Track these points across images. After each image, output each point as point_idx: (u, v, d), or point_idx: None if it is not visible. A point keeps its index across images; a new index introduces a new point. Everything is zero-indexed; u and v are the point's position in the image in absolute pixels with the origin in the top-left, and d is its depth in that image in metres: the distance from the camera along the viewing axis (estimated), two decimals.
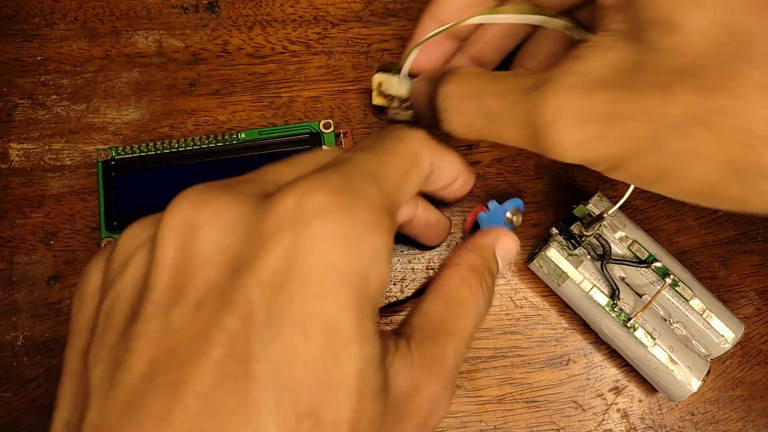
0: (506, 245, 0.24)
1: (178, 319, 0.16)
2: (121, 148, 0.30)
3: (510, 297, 0.30)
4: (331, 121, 0.31)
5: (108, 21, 0.33)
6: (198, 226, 0.17)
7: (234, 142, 0.30)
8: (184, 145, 0.30)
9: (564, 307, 0.30)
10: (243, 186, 0.18)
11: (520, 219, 0.27)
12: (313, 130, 0.31)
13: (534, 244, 0.31)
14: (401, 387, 0.18)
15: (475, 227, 0.27)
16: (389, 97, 0.29)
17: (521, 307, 0.30)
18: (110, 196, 0.30)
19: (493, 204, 0.27)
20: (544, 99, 0.19)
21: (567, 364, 0.29)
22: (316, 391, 0.15)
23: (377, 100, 0.30)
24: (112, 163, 0.30)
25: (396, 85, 0.29)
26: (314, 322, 0.15)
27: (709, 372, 0.27)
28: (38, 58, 0.33)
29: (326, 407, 0.15)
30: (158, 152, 0.30)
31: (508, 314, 0.30)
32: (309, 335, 0.15)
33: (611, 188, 0.31)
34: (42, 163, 0.31)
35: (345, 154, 0.20)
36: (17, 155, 0.31)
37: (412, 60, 0.28)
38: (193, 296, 0.16)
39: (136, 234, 0.19)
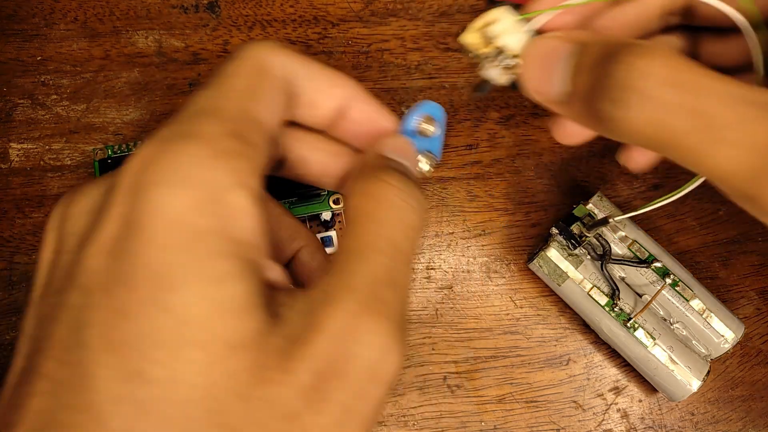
0: (392, 142, 0.20)
1: (45, 309, 0.16)
2: (117, 147, 0.30)
3: (510, 297, 0.30)
4: None
5: (108, 21, 0.33)
6: (65, 220, 0.17)
7: None
8: None
9: (564, 307, 0.30)
10: (110, 174, 0.18)
11: (437, 129, 0.22)
12: None
13: (534, 244, 0.31)
14: (294, 331, 0.15)
15: None
16: (491, 47, 0.21)
17: (521, 307, 0.30)
18: None
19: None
20: None
21: (567, 364, 0.29)
22: (144, 347, 0.14)
23: (471, 38, 0.22)
24: (109, 161, 0.30)
25: (514, 33, 0.21)
26: (138, 272, 0.14)
27: (709, 372, 0.26)
28: (38, 58, 0.33)
29: (156, 364, 0.14)
30: None
31: (508, 314, 0.30)
32: (132, 288, 0.14)
33: (611, 188, 0.31)
34: (42, 163, 0.31)
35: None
36: (17, 155, 0.31)
37: (550, 16, 0.20)
38: (56, 286, 0.16)
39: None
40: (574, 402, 0.29)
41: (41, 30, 0.33)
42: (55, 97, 0.32)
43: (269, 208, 0.19)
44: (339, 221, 0.30)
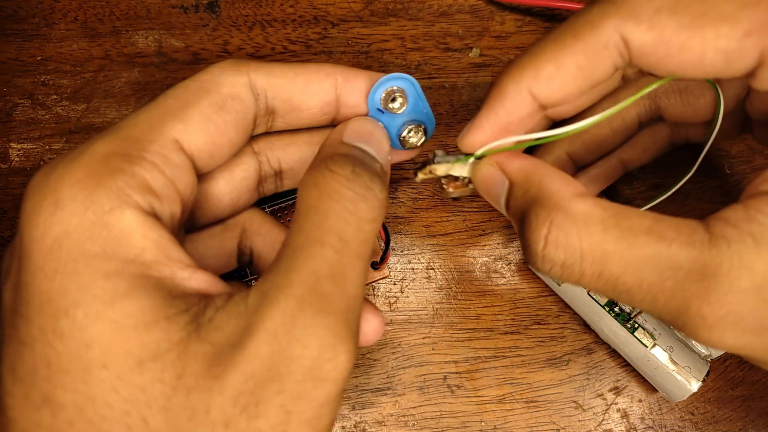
0: (350, 126, 0.20)
1: None
2: None
3: (510, 297, 0.30)
4: None
5: (108, 21, 0.33)
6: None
7: None
8: None
9: (564, 307, 0.30)
10: None
11: (405, 103, 0.21)
12: None
13: None
14: (226, 336, 0.15)
15: None
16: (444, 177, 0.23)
17: (521, 307, 0.30)
18: None
19: None
20: (709, 303, 0.15)
21: (567, 364, 0.29)
22: (46, 374, 0.14)
23: (423, 178, 0.23)
24: None
25: (457, 167, 0.22)
26: (32, 302, 0.15)
27: (709, 372, 0.26)
28: (38, 58, 0.33)
29: (61, 388, 0.14)
30: None
31: (508, 314, 0.30)
32: (27, 318, 0.15)
33: (611, 188, 0.31)
34: (42, 163, 0.31)
35: None
36: (17, 155, 0.31)
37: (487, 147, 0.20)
38: None
39: None
40: (574, 402, 0.29)
41: (41, 30, 0.33)
42: (55, 97, 0.32)
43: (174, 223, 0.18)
44: None
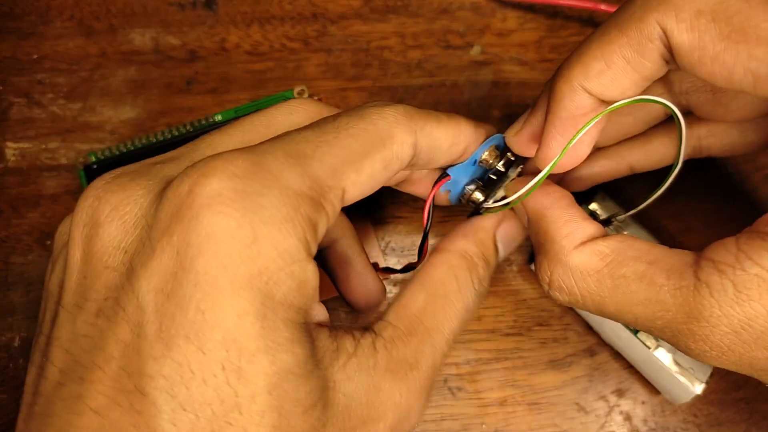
0: (509, 228, 0.21)
1: (82, 327, 0.15)
2: (100, 152, 0.30)
3: (511, 298, 0.30)
4: (305, 87, 0.31)
5: (104, 18, 0.33)
6: (99, 222, 0.16)
7: (211, 124, 0.30)
8: (161, 135, 0.30)
9: (566, 309, 0.29)
10: (159, 168, 0.17)
11: (500, 161, 0.21)
12: (289, 97, 0.30)
13: None
14: (355, 393, 0.16)
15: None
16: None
17: (523, 309, 0.30)
18: None
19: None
20: (694, 340, 0.17)
21: (569, 366, 0.29)
22: (220, 411, 0.14)
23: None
24: (94, 166, 0.30)
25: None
26: (209, 333, 0.14)
27: (712, 374, 0.26)
28: (34, 56, 0.32)
29: (235, 427, 0.14)
30: (137, 148, 0.30)
31: (509, 315, 0.29)
32: (205, 349, 0.14)
33: (614, 187, 0.31)
34: (38, 162, 0.31)
35: (298, 129, 0.17)
36: (13, 154, 0.31)
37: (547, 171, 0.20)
38: (94, 301, 0.15)
39: (62, 232, 0.18)
40: (577, 404, 0.29)
41: (37, 28, 0.33)
42: (51, 95, 0.32)
43: None
44: None
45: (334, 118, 0.17)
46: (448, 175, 0.21)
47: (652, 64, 0.18)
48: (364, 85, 0.32)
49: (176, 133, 0.30)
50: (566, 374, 0.29)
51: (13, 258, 0.30)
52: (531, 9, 0.33)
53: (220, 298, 0.14)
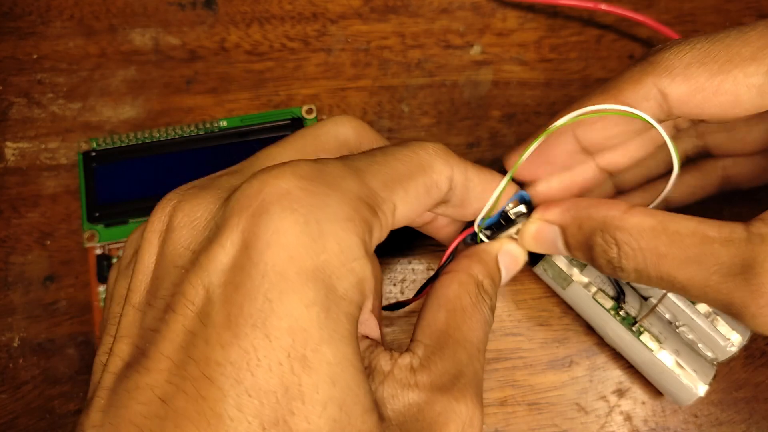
0: (510, 252, 0.23)
1: (150, 322, 0.16)
2: (101, 140, 0.30)
3: (512, 298, 0.30)
4: (313, 107, 0.31)
5: (104, 18, 0.33)
6: (172, 228, 0.17)
7: (216, 129, 0.30)
8: (164, 134, 0.30)
9: (566, 309, 0.29)
10: (226, 179, 0.18)
11: (524, 211, 0.23)
12: (295, 116, 0.30)
13: None
14: (407, 411, 0.17)
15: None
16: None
17: (523, 309, 0.30)
18: (91, 187, 0.29)
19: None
20: (750, 292, 0.17)
21: (569, 366, 0.29)
22: (283, 398, 0.14)
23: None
24: (93, 154, 0.30)
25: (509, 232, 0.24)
26: (276, 321, 0.14)
27: (715, 376, 0.26)
28: (34, 56, 0.32)
29: (297, 416, 0.14)
30: (139, 142, 0.30)
31: (509, 316, 0.29)
32: (272, 337, 0.14)
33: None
34: (38, 162, 0.31)
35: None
36: (13, 154, 0.31)
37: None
38: (163, 298, 0.16)
39: (133, 239, 0.20)
40: (577, 404, 0.29)
41: (37, 28, 0.33)
42: (51, 95, 0.32)
43: None
44: None
45: (381, 147, 0.19)
46: (472, 226, 0.23)
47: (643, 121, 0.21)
48: (363, 85, 0.32)
49: (179, 133, 0.30)
50: (566, 374, 0.29)
51: (12, 258, 0.30)
52: (531, 9, 0.33)
53: (288, 289, 0.14)
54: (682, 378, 0.26)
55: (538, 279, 0.30)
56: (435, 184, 0.19)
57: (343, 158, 0.18)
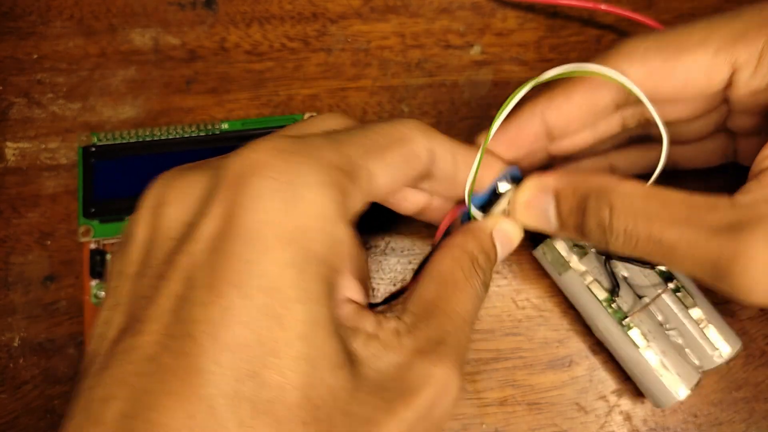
0: (506, 230, 0.23)
1: (143, 290, 0.17)
2: (103, 135, 0.30)
3: (512, 298, 0.30)
4: (315, 114, 0.31)
5: (104, 18, 0.33)
6: (164, 203, 0.18)
7: (216, 131, 0.30)
8: (166, 133, 0.30)
9: (566, 309, 0.29)
10: (216, 161, 0.19)
11: (512, 187, 0.23)
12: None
13: (535, 245, 0.30)
14: (386, 370, 0.17)
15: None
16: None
17: (523, 309, 0.30)
18: (89, 182, 0.29)
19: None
20: (744, 246, 0.18)
21: (569, 366, 0.29)
22: (258, 353, 0.15)
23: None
24: (93, 149, 0.30)
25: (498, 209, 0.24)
26: (253, 281, 0.15)
27: (698, 383, 0.26)
28: (34, 56, 0.32)
29: (270, 369, 0.15)
30: (140, 140, 0.30)
31: (509, 315, 0.29)
32: (248, 295, 0.15)
33: None
34: (38, 162, 0.31)
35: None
36: (13, 154, 0.31)
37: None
38: (156, 267, 0.17)
39: (130, 221, 0.20)
40: (577, 404, 0.29)
41: (37, 28, 0.33)
42: (51, 95, 0.32)
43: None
44: None
45: (362, 125, 0.20)
46: (464, 204, 0.23)
47: (603, 104, 0.23)
48: (363, 85, 0.32)
49: (181, 133, 0.30)
50: (566, 374, 0.29)
51: (12, 258, 0.30)
52: (531, 9, 0.33)
53: (264, 250, 0.15)
54: (665, 379, 0.26)
55: (537, 279, 0.30)
56: (414, 154, 0.20)
57: (323, 133, 0.19)
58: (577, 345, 0.29)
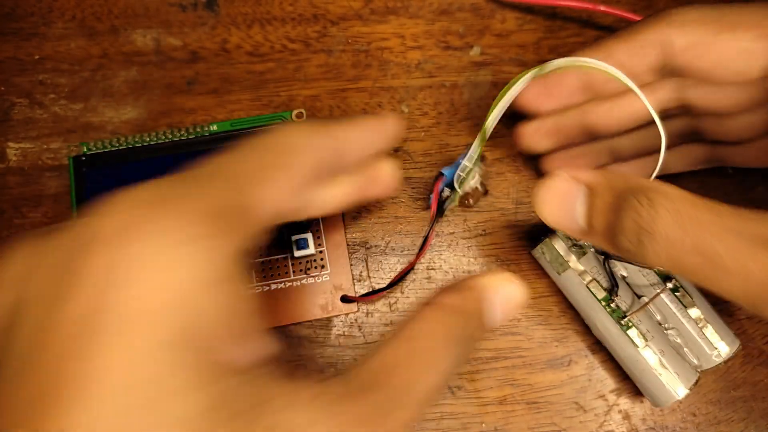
0: (508, 294, 0.20)
1: (3, 386, 0.14)
2: (92, 144, 0.30)
3: None
4: (303, 111, 0.31)
5: (106, 19, 0.33)
6: (19, 277, 0.15)
7: (206, 133, 0.30)
8: (155, 138, 0.30)
9: (565, 308, 0.30)
10: (74, 225, 0.16)
11: (480, 164, 0.27)
12: (285, 120, 0.30)
13: (539, 230, 0.30)
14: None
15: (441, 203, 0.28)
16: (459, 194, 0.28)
17: (522, 308, 0.30)
18: (82, 191, 0.29)
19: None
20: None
21: (568, 365, 0.29)
22: None
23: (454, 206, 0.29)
24: (83, 158, 0.30)
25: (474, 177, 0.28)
26: (124, 371, 0.13)
27: (697, 381, 0.26)
28: (36, 57, 0.32)
29: None
30: (129, 146, 0.30)
31: None
32: (116, 387, 0.13)
33: None
34: (40, 162, 0.31)
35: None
36: (15, 155, 0.31)
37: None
38: (17, 353, 0.14)
39: None
40: (576, 403, 0.29)
41: (39, 28, 0.33)
42: (53, 96, 0.32)
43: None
44: (315, 224, 0.30)
45: (241, 145, 0.18)
46: (442, 174, 0.27)
47: (640, 67, 0.23)
48: (364, 86, 0.32)
49: (170, 137, 0.30)
50: (565, 373, 0.29)
51: None
52: (530, 10, 0.34)
53: (125, 334, 0.13)
54: (663, 378, 0.26)
55: (537, 279, 0.30)
56: (300, 163, 0.18)
57: (190, 171, 0.17)
58: (575, 344, 0.29)
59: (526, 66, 0.33)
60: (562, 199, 0.20)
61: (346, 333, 0.29)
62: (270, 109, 0.32)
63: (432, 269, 0.30)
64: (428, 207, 0.29)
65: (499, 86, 0.32)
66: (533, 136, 0.27)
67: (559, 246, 0.28)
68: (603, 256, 0.27)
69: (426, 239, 0.26)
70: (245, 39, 0.33)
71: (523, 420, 0.28)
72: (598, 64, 0.22)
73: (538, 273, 0.30)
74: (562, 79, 0.24)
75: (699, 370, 0.27)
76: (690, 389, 0.26)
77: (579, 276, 0.27)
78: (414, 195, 0.31)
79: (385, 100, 0.32)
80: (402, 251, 0.30)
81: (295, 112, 0.31)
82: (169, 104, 0.32)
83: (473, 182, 0.28)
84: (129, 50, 0.33)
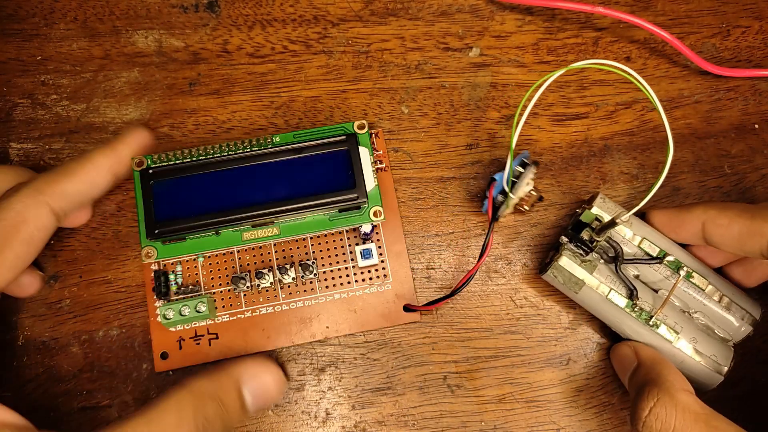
0: (263, 381, 0.23)
1: None
2: (156, 156, 0.29)
3: (510, 297, 0.30)
4: (365, 122, 0.29)
5: (108, 20, 0.33)
6: None
7: (269, 146, 0.29)
8: (219, 151, 0.29)
9: (564, 307, 0.30)
10: None
11: (533, 169, 0.27)
12: (348, 132, 0.30)
13: (543, 252, 0.30)
14: None
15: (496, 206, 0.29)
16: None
17: (521, 307, 0.30)
18: (149, 204, 0.28)
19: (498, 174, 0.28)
20: None
21: (567, 364, 0.29)
22: None
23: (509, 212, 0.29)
24: (150, 171, 0.29)
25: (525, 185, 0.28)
26: None
27: (734, 358, 0.27)
28: (38, 58, 0.33)
29: None
30: (193, 159, 0.29)
31: (508, 314, 0.30)
32: None
33: (611, 188, 0.32)
34: (42, 162, 0.31)
35: None
36: (17, 155, 0.31)
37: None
38: None
39: None
40: (575, 402, 0.29)
41: (41, 30, 0.33)
42: (54, 96, 0.32)
43: None
44: (376, 233, 0.30)
45: None
46: (494, 180, 0.28)
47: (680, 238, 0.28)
48: (364, 87, 0.32)
49: (233, 149, 0.29)
50: (564, 372, 0.29)
51: None
52: (529, 12, 0.34)
53: None
54: (703, 363, 0.27)
55: (536, 278, 0.30)
56: (36, 230, 0.20)
57: None
58: (574, 343, 0.29)
59: (525, 67, 0.33)
60: (625, 361, 0.27)
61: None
62: (271, 110, 0.32)
63: (431, 269, 0.30)
64: (484, 212, 0.30)
65: (498, 87, 0.33)
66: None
67: (569, 265, 0.27)
68: (614, 264, 0.28)
69: (485, 246, 0.27)
70: (246, 40, 0.33)
71: (522, 418, 0.29)
72: (613, 64, 0.23)
73: (537, 273, 0.30)
74: (686, 222, 0.27)
75: (731, 343, 0.27)
76: (729, 366, 0.27)
77: (596, 290, 0.27)
78: (414, 195, 0.31)
79: (385, 101, 0.32)
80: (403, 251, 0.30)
81: (357, 123, 0.29)
82: (171, 105, 0.32)
83: (527, 188, 0.28)
84: (131, 51, 0.33)
